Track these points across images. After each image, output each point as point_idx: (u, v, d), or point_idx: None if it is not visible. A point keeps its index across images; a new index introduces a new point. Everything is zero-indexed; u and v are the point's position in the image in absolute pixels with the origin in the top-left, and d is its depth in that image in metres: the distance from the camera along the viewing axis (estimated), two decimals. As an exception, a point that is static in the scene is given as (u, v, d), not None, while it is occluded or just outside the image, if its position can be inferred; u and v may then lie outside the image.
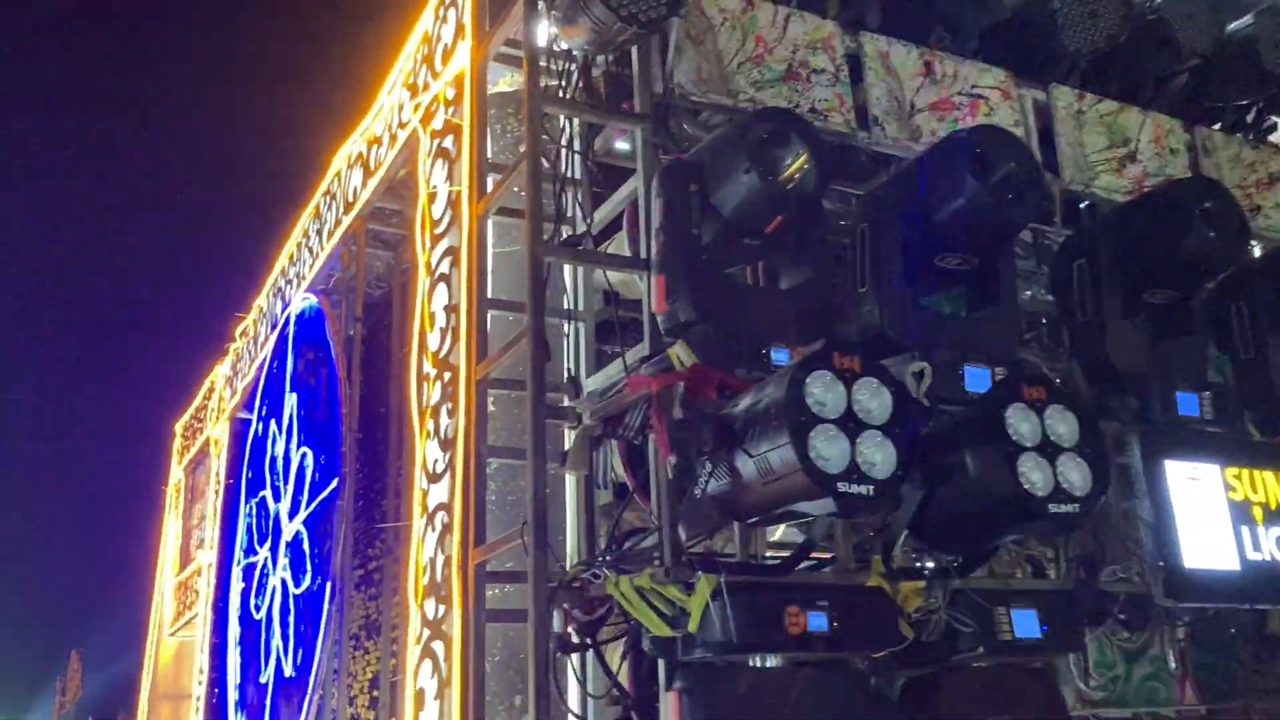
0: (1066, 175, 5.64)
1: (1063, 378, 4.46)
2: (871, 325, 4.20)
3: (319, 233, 7.62)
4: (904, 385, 3.32)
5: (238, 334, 10.14)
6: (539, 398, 4.14)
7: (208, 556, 10.15)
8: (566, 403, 4.29)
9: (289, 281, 8.39)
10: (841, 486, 3.02)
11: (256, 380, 8.90)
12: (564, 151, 4.77)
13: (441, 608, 4.62)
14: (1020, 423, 3.38)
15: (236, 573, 8.79)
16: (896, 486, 3.12)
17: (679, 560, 3.44)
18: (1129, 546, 4.26)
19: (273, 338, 8.59)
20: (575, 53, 4.65)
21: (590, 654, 4.17)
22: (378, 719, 6.33)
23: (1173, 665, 5.23)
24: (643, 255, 4.53)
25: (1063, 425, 3.43)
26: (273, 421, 8.06)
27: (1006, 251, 4.54)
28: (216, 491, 10.24)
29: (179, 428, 12.60)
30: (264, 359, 8.75)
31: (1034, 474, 3.34)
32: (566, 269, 5.25)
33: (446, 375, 4.93)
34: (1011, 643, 3.89)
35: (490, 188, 4.89)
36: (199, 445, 11.59)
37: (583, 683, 4.24)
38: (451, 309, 4.96)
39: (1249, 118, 6.66)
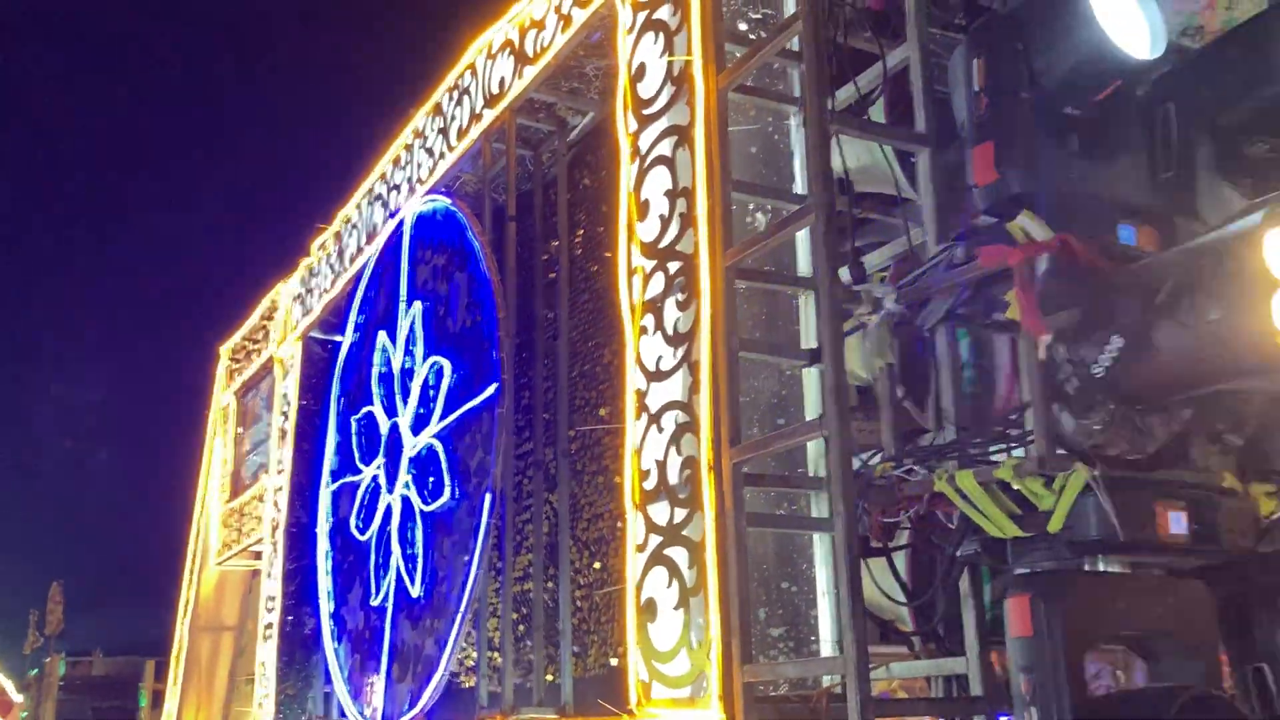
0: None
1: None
2: (1177, 213, 3.86)
3: (443, 131, 7.14)
4: None
5: (314, 248, 9.64)
6: (832, 282, 3.76)
7: (276, 481, 9.70)
8: (858, 286, 3.90)
9: (394, 188, 7.90)
10: (1308, 362, 2.68)
11: (349, 294, 8.43)
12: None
13: (680, 512, 4.25)
14: None
15: (325, 495, 8.36)
16: (1358, 361, 2.78)
17: (1053, 451, 3.09)
18: None
19: (371, 247, 8.12)
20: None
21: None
22: (523, 640, 5.97)
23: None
24: (919, 129, 4.17)
25: None
26: (382, 334, 7.61)
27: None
28: (285, 414, 9.78)
29: (225, 350, 12.08)
30: (362, 270, 8.27)
31: None
32: (796, 154, 4.87)
33: (672, 265, 4.52)
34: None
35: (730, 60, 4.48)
36: (255, 368, 11.10)
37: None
38: (679, 194, 4.55)
39: None
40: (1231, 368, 2.80)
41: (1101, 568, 3.43)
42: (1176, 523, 3.27)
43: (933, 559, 3.90)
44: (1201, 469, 3.39)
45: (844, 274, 4.11)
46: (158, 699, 22.04)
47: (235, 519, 11.19)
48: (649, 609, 4.33)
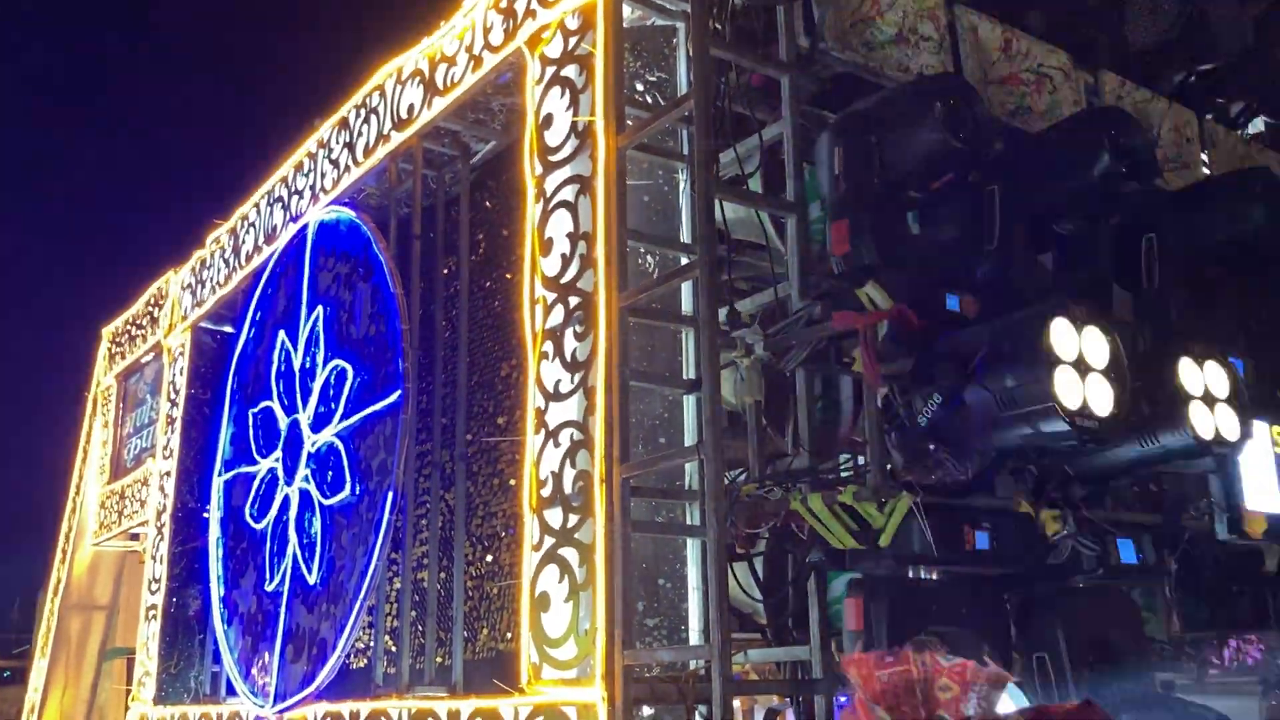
0: (1107, 153, 6.20)
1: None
2: (997, 280, 4.65)
3: (349, 146, 7.57)
4: (1121, 333, 3.78)
5: (207, 241, 9.90)
6: (713, 328, 4.43)
7: (163, 465, 9.95)
8: (734, 333, 4.57)
9: (296, 193, 8.28)
10: (1078, 421, 3.46)
11: (248, 291, 8.77)
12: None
13: (573, 517, 4.87)
14: (1187, 374, 3.91)
15: (218, 484, 8.70)
16: (1115, 423, 3.58)
17: (885, 482, 3.83)
18: (1200, 490, 4.87)
19: (270, 249, 8.48)
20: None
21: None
22: (420, 622, 6.50)
23: (1169, 595, 5.98)
24: (788, 196, 4.88)
25: (1215, 378, 3.99)
26: (281, 333, 8.00)
27: (1106, 221, 5.05)
28: (173, 401, 10.03)
29: (108, 332, 12.16)
30: (258, 269, 8.62)
31: (1198, 418, 3.88)
32: (684, 205, 5.53)
33: (572, 300, 5.13)
34: (1120, 567, 4.45)
35: (631, 122, 5.10)
36: (140, 352, 11.26)
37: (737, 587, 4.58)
38: (580, 236, 5.15)
39: (1234, 113, 7.42)
40: (1022, 425, 3.57)
41: (923, 575, 4.20)
42: (981, 540, 4.04)
43: (785, 563, 4.62)
44: (1002, 497, 4.18)
45: (722, 314, 4.79)
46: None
47: (115, 501, 11.34)
48: (542, 601, 4.95)
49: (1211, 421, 3.94)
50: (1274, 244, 5.50)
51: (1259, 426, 5.10)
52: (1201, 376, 3.99)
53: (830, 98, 5.46)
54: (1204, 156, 6.86)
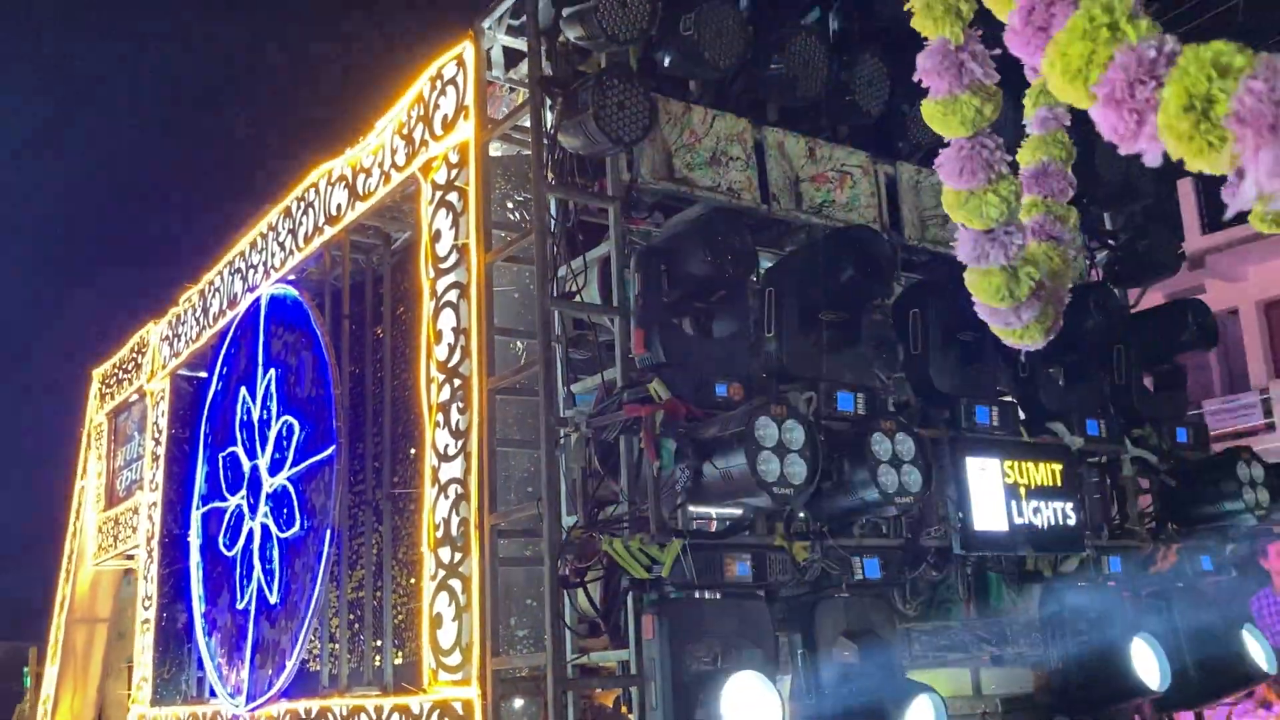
0: (906, 232, 7.61)
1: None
2: (774, 362, 6.08)
3: (292, 232, 8.97)
4: (813, 424, 5.19)
5: (181, 300, 11.29)
6: (550, 409, 5.85)
7: (150, 497, 11.38)
8: (564, 412, 5.98)
9: (252, 267, 9.68)
10: (775, 490, 4.89)
11: (216, 348, 10.17)
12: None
13: (458, 555, 6.31)
14: (878, 444, 5.33)
15: (196, 516, 10.13)
16: (807, 489, 5.01)
17: (660, 529, 5.26)
18: (940, 515, 6.30)
19: (233, 313, 9.89)
20: (567, 148, 6.27)
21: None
22: (357, 636, 7.94)
23: (962, 592, 7.42)
24: (614, 302, 6.28)
25: (903, 445, 5.41)
26: (243, 389, 9.41)
27: (866, 310, 6.47)
28: (157, 440, 11.44)
29: (98, 375, 13.57)
30: (224, 329, 10.03)
31: (885, 478, 5.31)
32: (544, 301, 6.92)
33: (456, 381, 6.55)
34: (863, 581, 5.88)
35: (495, 242, 6.51)
36: (127, 394, 12.66)
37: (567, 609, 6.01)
38: (461, 331, 6.57)
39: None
40: (740, 495, 4.99)
41: (706, 596, 5.63)
42: (742, 569, 5.47)
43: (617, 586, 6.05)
44: (761, 534, 5.61)
45: (566, 391, 6.22)
46: (38, 682, 23.13)
47: (111, 526, 12.77)
48: (437, 620, 6.39)
49: (896, 479, 5.37)
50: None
51: (993, 463, 6.56)
52: (891, 445, 5.41)
53: (667, 208, 6.85)
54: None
